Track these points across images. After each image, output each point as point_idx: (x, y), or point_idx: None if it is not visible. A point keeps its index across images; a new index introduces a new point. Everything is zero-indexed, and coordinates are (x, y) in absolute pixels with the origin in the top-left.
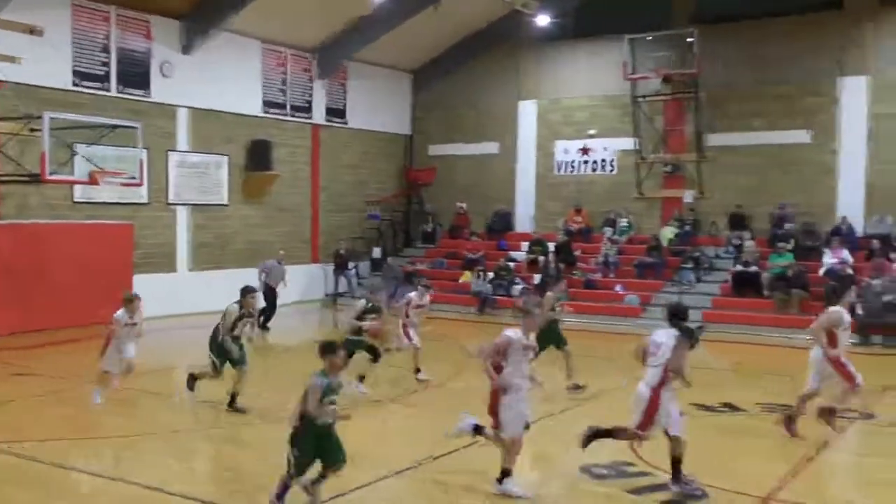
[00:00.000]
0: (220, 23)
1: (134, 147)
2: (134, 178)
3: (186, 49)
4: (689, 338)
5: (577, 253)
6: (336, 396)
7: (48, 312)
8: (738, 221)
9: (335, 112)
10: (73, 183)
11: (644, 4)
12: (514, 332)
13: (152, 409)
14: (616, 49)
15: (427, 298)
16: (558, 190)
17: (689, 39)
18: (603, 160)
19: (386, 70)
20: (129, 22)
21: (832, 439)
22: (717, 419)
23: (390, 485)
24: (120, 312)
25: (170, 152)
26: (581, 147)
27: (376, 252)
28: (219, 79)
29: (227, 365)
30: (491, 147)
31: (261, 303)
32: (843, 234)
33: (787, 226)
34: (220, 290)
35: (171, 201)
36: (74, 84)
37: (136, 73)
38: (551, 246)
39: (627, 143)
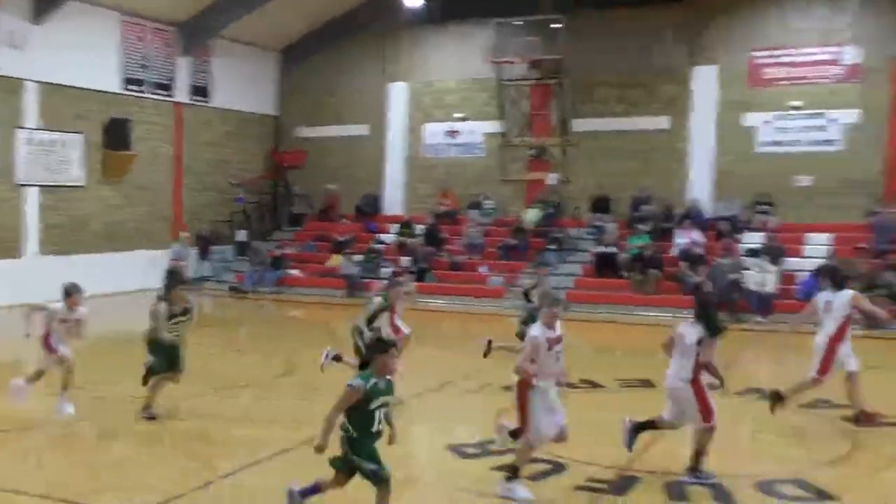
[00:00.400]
0: None
1: None
2: None
3: (37, 19)
4: (713, 335)
5: (444, 235)
6: (389, 399)
7: None
8: (601, 204)
9: (199, 90)
10: None
11: None
12: (539, 329)
13: None
14: (485, 33)
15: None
16: (428, 172)
17: (554, 25)
18: (471, 143)
19: (253, 49)
20: None
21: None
22: (579, 396)
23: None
24: (58, 305)
25: (17, 129)
26: (450, 130)
27: (242, 235)
28: (73, 52)
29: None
30: (361, 129)
31: None
32: (693, 217)
33: (645, 208)
34: (73, 277)
35: (18, 182)
36: None
37: None
38: (420, 228)
39: (495, 126)
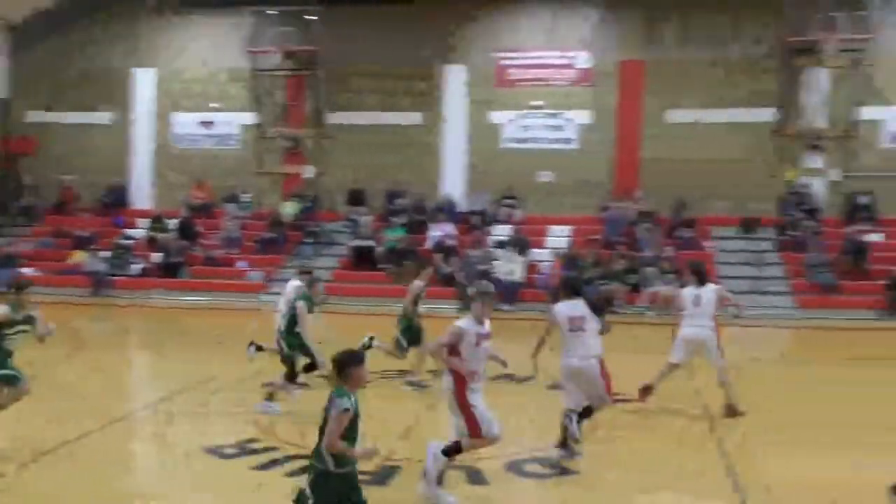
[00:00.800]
0: None
1: None
2: None
3: None
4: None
5: (199, 229)
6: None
7: None
8: (357, 197)
9: None
10: None
11: None
12: (465, 322)
13: None
14: (240, 21)
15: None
16: (180, 163)
17: (309, 17)
18: (226, 134)
19: None
20: None
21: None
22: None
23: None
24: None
25: None
26: (204, 120)
27: None
28: None
29: None
30: (102, 116)
31: None
32: (446, 210)
33: (400, 202)
34: None
35: None
36: None
37: None
38: (174, 222)
39: (251, 117)
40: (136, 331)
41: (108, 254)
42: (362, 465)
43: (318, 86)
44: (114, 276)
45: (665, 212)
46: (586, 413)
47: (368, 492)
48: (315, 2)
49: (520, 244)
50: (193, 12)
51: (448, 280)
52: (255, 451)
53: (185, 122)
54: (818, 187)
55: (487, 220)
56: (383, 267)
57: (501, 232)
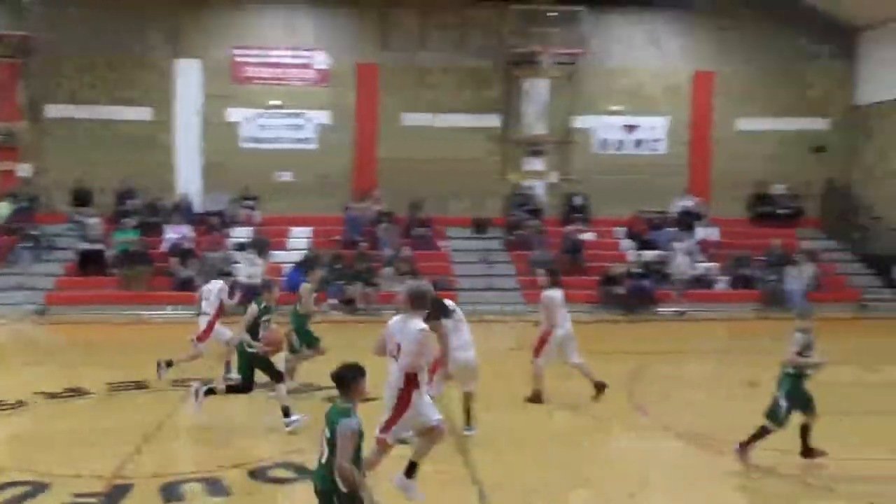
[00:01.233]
0: None
1: None
2: None
3: None
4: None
5: None
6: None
7: None
8: (82, 197)
9: None
10: None
11: None
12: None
13: None
14: None
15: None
16: None
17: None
18: None
19: None
20: None
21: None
22: (63, 405)
23: None
24: None
25: None
26: None
27: None
28: None
29: None
30: None
31: None
32: (182, 211)
33: (131, 202)
34: None
35: None
36: None
37: None
38: None
39: None
40: None
41: None
42: (88, 487)
43: (34, 75)
44: None
45: (403, 212)
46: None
47: None
48: None
49: (260, 246)
50: None
51: (184, 284)
52: None
53: None
54: (539, 189)
55: (226, 221)
56: (114, 272)
57: (241, 233)
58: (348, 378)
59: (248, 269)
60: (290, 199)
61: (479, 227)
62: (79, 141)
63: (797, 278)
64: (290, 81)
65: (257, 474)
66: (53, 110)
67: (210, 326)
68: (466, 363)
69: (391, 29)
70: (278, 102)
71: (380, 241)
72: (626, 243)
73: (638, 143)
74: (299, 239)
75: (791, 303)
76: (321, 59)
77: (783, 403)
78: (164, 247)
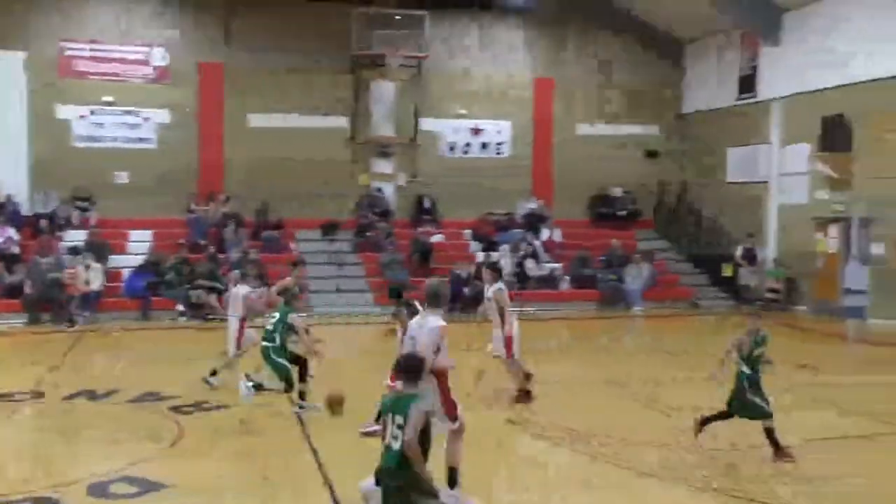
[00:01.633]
0: None
1: None
2: None
3: None
4: None
5: None
6: None
7: None
8: None
9: None
10: None
11: None
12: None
13: None
14: None
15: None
16: None
17: None
18: None
19: None
20: None
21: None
22: None
23: None
24: None
25: None
26: None
27: None
28: None
29: None
30: None
31: None
32: (8, 212)
33: None
34: None
35: None
36: None
37: None
38: None
39: None
40: None
41: None
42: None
43: None
44: None
45: (251, 214)
46: None
47: None
48: None
49: (97, 250)
50: None
51: (12, 291)
52: None
53: None
54: (388, 191)
55: (58, 223)
56: None
57: (75, 237)
58: (419, 367)
59: (85, 274)
60: (128, 200)
61: (329, 229)
62: None
63: (636, 278)
64: (126, 78)
65: (96, 490)
66: None
67: (241, 331)
68: None
69: (236, 28)
70: (112, 99)
71: (226, 243)
72: (475, 245)
73: (484, 146)
74: (140, 242)
75: (629, 302)
76: (159, 56)
77: (755, 399)
78: None
